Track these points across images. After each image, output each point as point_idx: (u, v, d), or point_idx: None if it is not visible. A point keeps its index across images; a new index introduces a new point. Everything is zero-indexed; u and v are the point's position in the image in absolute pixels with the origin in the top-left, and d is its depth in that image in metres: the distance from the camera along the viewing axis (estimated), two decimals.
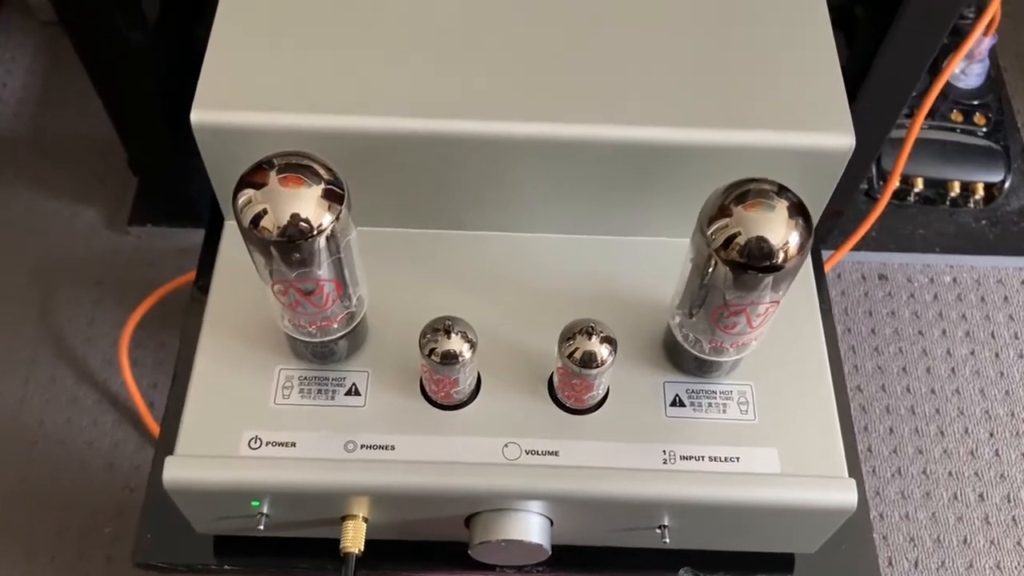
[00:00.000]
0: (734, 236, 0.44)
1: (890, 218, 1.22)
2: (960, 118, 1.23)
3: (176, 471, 0.51)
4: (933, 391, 1.15)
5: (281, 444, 0.52)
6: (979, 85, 1.26)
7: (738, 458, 0.53)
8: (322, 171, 0.44)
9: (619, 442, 0.53)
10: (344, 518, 0.54)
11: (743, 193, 0.45)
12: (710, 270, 0.46)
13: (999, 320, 1.20)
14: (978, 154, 1.22)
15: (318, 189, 0.44)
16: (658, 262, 0.58)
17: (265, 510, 0.53)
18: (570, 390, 0.53)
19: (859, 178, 1.16)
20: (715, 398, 0.55)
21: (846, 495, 0.52)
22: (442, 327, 0.50)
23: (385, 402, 0.54)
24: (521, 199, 0.57)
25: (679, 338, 0.53)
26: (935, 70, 0.96)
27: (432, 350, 0.50)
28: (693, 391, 0.55)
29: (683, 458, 0.53)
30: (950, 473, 1.10)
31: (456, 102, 0.53)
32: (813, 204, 0.48)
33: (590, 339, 0.50)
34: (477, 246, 0.59)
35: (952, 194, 1.22)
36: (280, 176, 0.44)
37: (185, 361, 0.56)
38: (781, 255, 0.44)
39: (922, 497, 1.09)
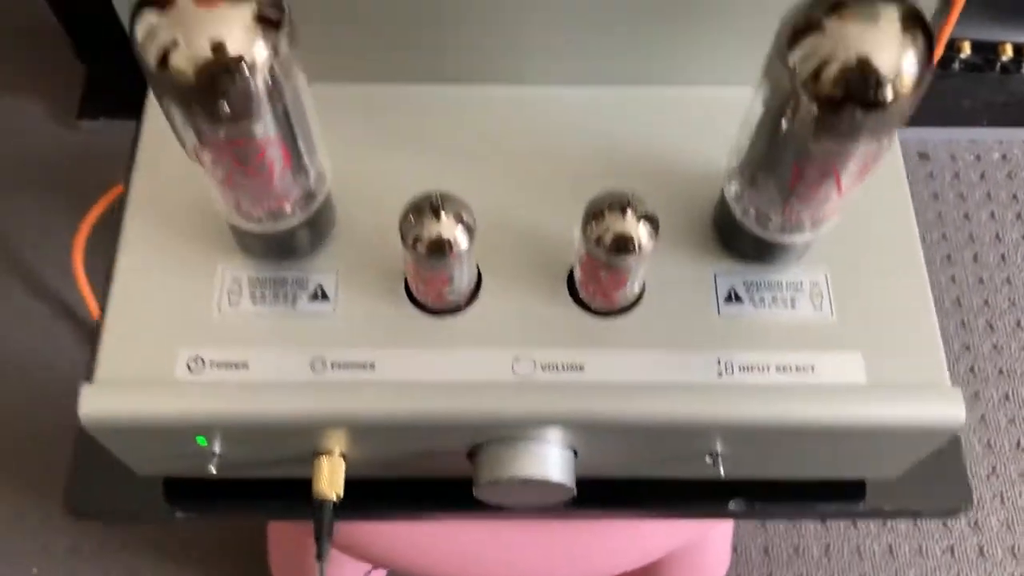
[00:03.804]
0: (829, 59, 0.32)
1: (931, 88, 1.09)
2: None
3: (95, 403, 0.39)
4: (981, 280, 1.04)
5: (229, 365, 0.41)
6: None
7: (813, 367, 0.42)
8: None
9: (660, 350, 0.42)
10: (317, 454, 0.43)
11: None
12: (790, 111, 0.34)
13: None
14: None
15: (248, 9, 0.31)
16: (704, 118, 0.46)
17: (216, 449, 0.42)
18: (597, 286, 0.41)
19: None
20: (780, 290, 0.43)
21: (952, 409, 0.40)
22: (428, 206, 0.38)
23: (361, 308, 0.42)
24: (525, 37, 0.45)
25: (737, 214, 0.41)
26: None
27: (416, 238, 0.38)
28: (753, 283, 0.43)
29: (743, 369, 0.41)
30: (1001, 371, 1.00)
31: None
32: None
33: (624, 216, 0.38)
34: (471, 103, 0.47)
35: (1004, 59, 1.08)
36: None
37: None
38: (895, 83, 0.32)
39: (970, 398, 0.99)
